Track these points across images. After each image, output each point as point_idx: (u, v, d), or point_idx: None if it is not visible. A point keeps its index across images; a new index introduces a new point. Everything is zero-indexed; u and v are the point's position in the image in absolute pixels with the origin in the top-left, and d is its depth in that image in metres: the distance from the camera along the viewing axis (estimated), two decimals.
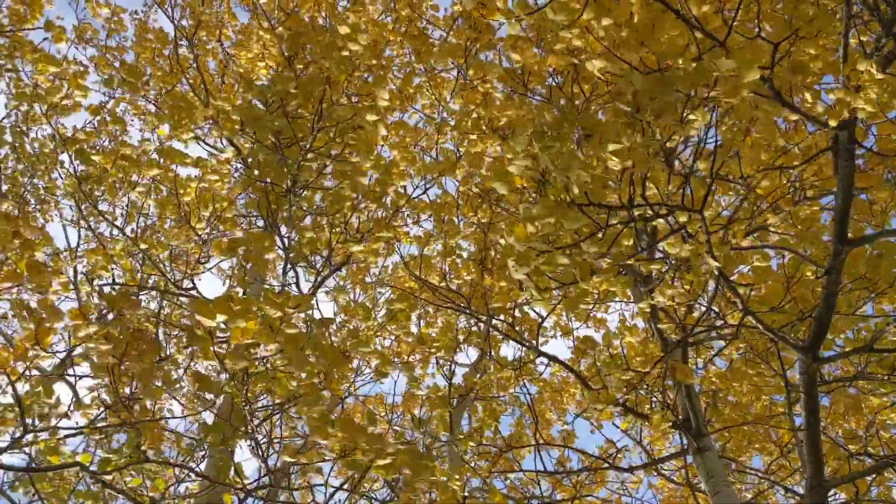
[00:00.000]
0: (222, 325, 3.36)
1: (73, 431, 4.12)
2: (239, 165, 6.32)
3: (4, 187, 6.98)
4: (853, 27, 2.88)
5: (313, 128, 5.11)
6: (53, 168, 7.00)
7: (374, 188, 5.46)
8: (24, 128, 6.97)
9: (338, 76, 4.87)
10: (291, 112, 4.95)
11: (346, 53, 4.90)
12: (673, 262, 4.03)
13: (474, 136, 5.33)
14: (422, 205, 6.24)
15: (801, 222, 4.15)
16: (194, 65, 6.58)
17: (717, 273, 3.57)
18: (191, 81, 6.61)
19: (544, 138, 2.74)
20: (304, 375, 3.54)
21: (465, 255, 6.15)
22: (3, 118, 7.03)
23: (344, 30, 4.64)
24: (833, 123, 2.98)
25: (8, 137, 6.84)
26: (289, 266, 5.81)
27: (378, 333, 6.87)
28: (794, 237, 4.02)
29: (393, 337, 7.05)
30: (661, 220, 3.55)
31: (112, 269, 6.43)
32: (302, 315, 3.62)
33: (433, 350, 6.27)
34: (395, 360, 7.20)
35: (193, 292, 6.19)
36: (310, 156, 5.25)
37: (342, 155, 5.22)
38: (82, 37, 7.32)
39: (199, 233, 6.12)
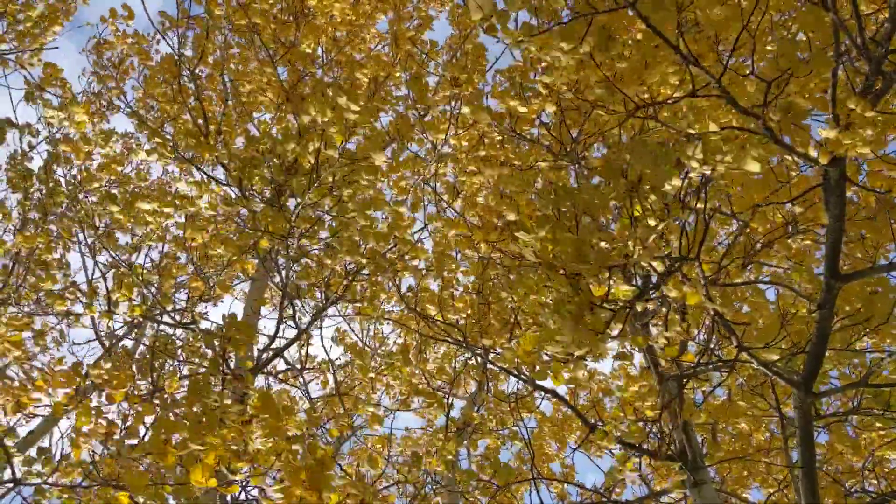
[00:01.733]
0: None
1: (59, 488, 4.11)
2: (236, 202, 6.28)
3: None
4: (841, 64, 2.81)
5: (310, 180, 5.02)
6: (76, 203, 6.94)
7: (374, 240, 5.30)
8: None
9: (335, 137, 4.78)
10: (288, 162, 4.88)
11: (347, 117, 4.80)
12: (669, 301, 3.94)
13: (473, 168, 5.26)
14: (422, 252, 6.08)
15: (792, 256, 4.07)
16: (194, 100, 6.54)
17: (713, 313, 3.48)
18: (193, 112, 6.57)
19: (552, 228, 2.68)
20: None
21: (461, 289, 6.04)
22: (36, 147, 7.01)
23: (342, 100, 4.56)
24: (823, 161, 2.90)
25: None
26: (286, 301, 5.73)
27: (377, 378, 6.74)
28: (788, 269, 3.94)
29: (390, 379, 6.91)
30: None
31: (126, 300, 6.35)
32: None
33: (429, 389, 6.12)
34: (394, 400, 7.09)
35: (193, 326, 6.13)
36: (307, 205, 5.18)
37: (338, 208, 5.13)
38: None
39: (205, 272, 6.07)
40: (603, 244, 2.74)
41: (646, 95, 2.85)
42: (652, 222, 2.60)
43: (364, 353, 7.07)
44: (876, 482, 4.44)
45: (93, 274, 7.25)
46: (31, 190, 6.67)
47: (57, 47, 7.50)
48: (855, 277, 3.54)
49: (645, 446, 4.98)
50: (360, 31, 7.20)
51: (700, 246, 2.97)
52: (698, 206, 2.98)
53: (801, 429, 3.84)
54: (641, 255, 2.58)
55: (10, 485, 4.10)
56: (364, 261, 5.37)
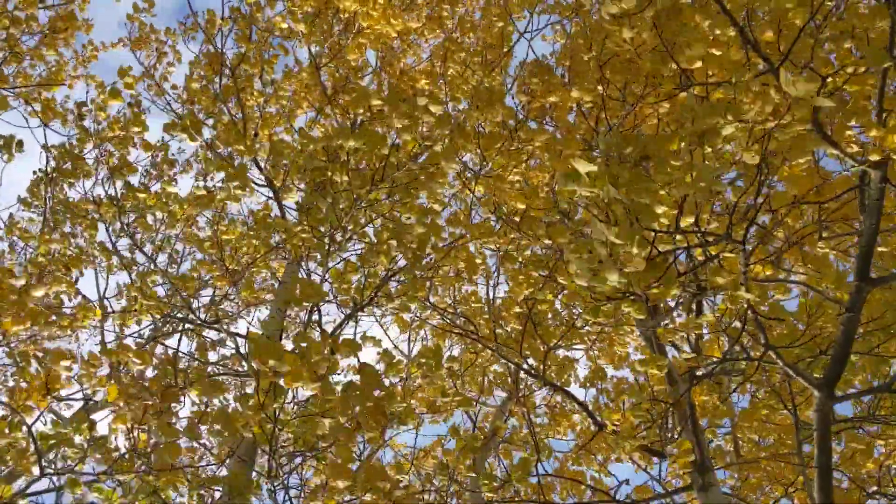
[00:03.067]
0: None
1: (91, 478, 4.05)
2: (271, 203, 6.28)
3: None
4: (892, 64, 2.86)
5: (372, 182, 4.99)
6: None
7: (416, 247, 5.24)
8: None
9: (408, 143, 4.75)
10: (348, 162, 4.85)
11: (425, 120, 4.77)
12: (693, 291, 3.95)
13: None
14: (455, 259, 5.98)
15: (816, 261, 4.07)
16: (234, 99, 6.56)
17: (746, 306, 3.49)
18: (232, 112, 6.61)
19: (611, 165, 2.67)
20: (342, 420, 3.39)
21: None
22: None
23: (422, 101, 4.55)
24: (875, 158, 2.94)
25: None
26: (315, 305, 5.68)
27: (410, 378, 6.69)
28: (814, 272, 3.95)
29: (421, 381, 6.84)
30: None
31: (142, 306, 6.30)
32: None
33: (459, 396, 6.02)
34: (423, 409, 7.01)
35: (217, 326, 6.08)
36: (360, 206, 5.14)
37: (393, 211, 5.09)
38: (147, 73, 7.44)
39: (230, 269, 6.03)
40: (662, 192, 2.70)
41: (698, 64, 2.89)
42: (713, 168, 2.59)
43: (391, 356, 7.02)
44: (894, 488, 4.43)
45: (105, 289, 7.25)
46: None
47: (71, 84, 7.56)
48: (885, 281, 3.57)
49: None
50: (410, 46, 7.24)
51: (745, 232, 2.99)
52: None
53: (819, 430, 3.83)
54: (701, 192, 2.56)
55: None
56: (400, 267, 5.30)
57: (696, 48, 2.83)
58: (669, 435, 5.07)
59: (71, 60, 7.68)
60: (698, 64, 2.91)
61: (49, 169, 6.62)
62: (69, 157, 6.56)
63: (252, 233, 5.90)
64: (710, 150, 2.52)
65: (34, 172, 6.86)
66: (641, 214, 2.45)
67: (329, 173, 4.92)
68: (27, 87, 6.68)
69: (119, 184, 6.42)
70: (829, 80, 2.77)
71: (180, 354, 5.92)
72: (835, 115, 2.85)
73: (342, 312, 5.80)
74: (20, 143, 6.65)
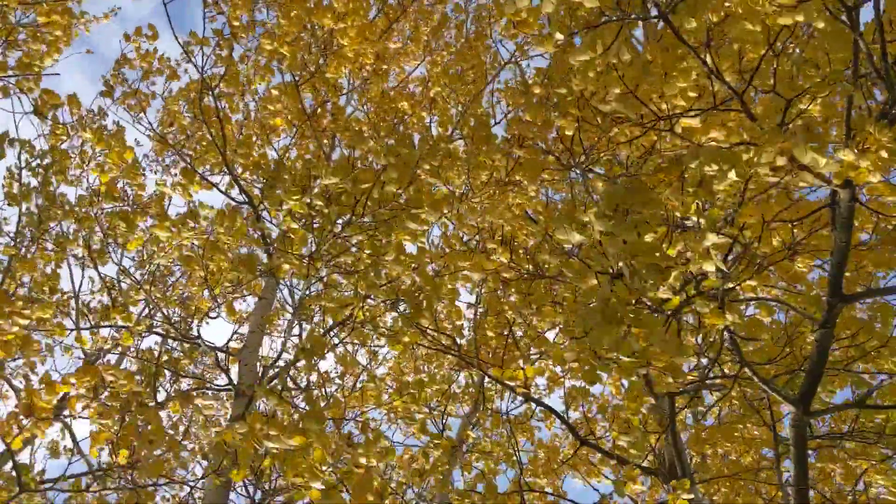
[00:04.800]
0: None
1: (68, 492, 4.01)
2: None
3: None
4: (859, 89, 2.84)
5: (352, 215, 4.91)
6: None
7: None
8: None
9: (395, 181, 4.67)
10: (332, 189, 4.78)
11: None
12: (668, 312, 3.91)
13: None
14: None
15: (790, 279, 4.05)
16: (217, 117, 6.48)
17: (723, 327, 3.46)
18: (212, 130, 6.53)
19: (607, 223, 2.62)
20: None
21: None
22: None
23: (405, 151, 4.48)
24: (838, 182, 2.92)
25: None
26: (295, 322, 5.63)
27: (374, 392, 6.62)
28: (788, 291, 3.93)
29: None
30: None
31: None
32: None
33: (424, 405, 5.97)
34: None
35: (198, 341, 6.00)
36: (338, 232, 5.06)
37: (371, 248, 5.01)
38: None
39: (213, 289, 5.93)
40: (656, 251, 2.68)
41: (663, 106, 2.86)
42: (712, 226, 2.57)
43: (354, 362, 6.95)
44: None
45: (79, 288, 7.12)
46: (28, 205, 6.56)
47: (58, 73, 7.48)
48: (857, 298, 3.54)
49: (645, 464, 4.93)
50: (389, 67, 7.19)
51: (727, 254, 2.95)
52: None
53: (796, 446, 3.80)
54: (703, 258, 2.53)
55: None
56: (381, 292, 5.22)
57: (660, 87, 2.80)
58: (650, 448, 5.04)
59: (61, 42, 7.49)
60: (664, 106, 2.87)
61: (24, 164, 6.53)
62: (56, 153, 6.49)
63: (240, 269, 5.80)
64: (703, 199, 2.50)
65: (7, 170, 6.76)
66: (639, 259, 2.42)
67: (308, 200, 4.85)
68: (22, 76, 6.58)
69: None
70: (794, 102, 2.75)
71: (157, 364, 5.85)
72: (804, 136, 2.81)
73: (323, 328, 5.75)
74: (12, 141, 6.59)
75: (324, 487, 3.00)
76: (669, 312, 2.86)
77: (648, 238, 2.45)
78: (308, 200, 4.55)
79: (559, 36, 2.86)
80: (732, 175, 2.47)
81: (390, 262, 4.58)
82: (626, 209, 2.42)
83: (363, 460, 3.20)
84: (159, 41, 7.81)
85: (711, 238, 2.57)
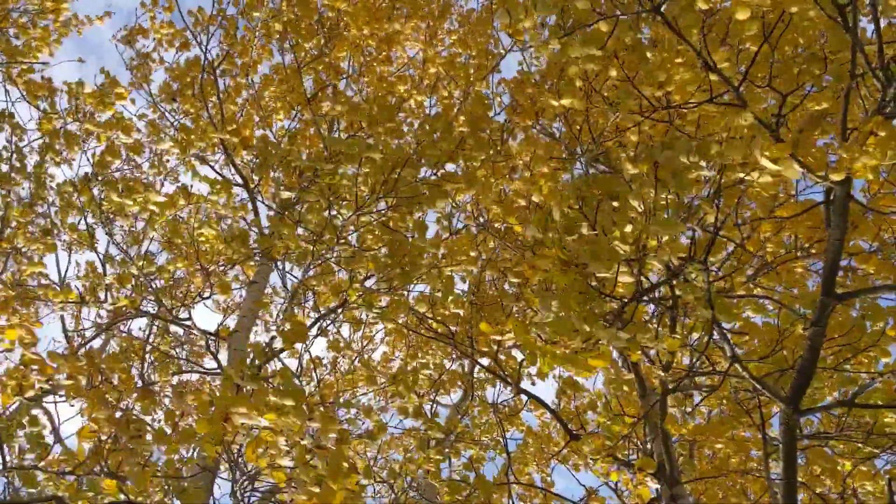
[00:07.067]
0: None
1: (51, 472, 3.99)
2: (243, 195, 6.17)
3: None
4: (856, 85, 2.80)
5: (375, 193, 4.85)
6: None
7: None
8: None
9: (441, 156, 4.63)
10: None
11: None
12: (665, 305, 3.88)
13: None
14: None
15: (790, 281, 4.03)
16: (217, 98, 6.42)
17: (710, 320, 3.43)
18: (213, 110, 6.48)
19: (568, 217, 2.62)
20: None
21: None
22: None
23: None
24: (836, 178, 2.88)
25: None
26: (288, 306, 5.58)
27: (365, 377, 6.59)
28: (781, 292, 3.90)
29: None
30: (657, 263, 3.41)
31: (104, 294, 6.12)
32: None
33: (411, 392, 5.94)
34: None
35: (188, 322, 5.95)
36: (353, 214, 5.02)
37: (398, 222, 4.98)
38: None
39: (206, 266, 5.87)
40: (617, 243, 2.68)
41: (660, 94, 2.83)
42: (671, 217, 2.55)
43: (347, 346, 6.90)
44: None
45: (66, 270, 7.04)
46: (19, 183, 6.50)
47: (47, 63, 7.40)
48: (850, 297, 3.51)
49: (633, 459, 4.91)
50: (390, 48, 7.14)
51: (709, 249, 2.93)
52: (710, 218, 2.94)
53: (785, 444, 3.78)
54: (660, 253, 2.52)
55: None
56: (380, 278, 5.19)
57: (658, 76, 2.76)
58: (640, 446, 5.02)
59: (54, 32, 7.43)
60: (659, 93, 2.85)
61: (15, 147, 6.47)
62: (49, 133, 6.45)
63: (232, 246, 5.76)
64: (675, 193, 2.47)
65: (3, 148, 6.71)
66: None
67: (329, 177, 4.80)
68: (13, 63, 6.53)
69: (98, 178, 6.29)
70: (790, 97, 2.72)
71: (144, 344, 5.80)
72: (803, 133, 2.79)
73: (316, 313, 5.71)
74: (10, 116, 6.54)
75: (293, 465, 2.99)
76: (625, 300, 2.85)
77: (624, 229, 2.44)
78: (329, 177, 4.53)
79: (555, 45, 2.83)
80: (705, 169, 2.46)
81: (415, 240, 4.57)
82: (597, 200, 2.41)
83: (333, 435, 3.19)
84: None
85: (674, 228, 2.54)
